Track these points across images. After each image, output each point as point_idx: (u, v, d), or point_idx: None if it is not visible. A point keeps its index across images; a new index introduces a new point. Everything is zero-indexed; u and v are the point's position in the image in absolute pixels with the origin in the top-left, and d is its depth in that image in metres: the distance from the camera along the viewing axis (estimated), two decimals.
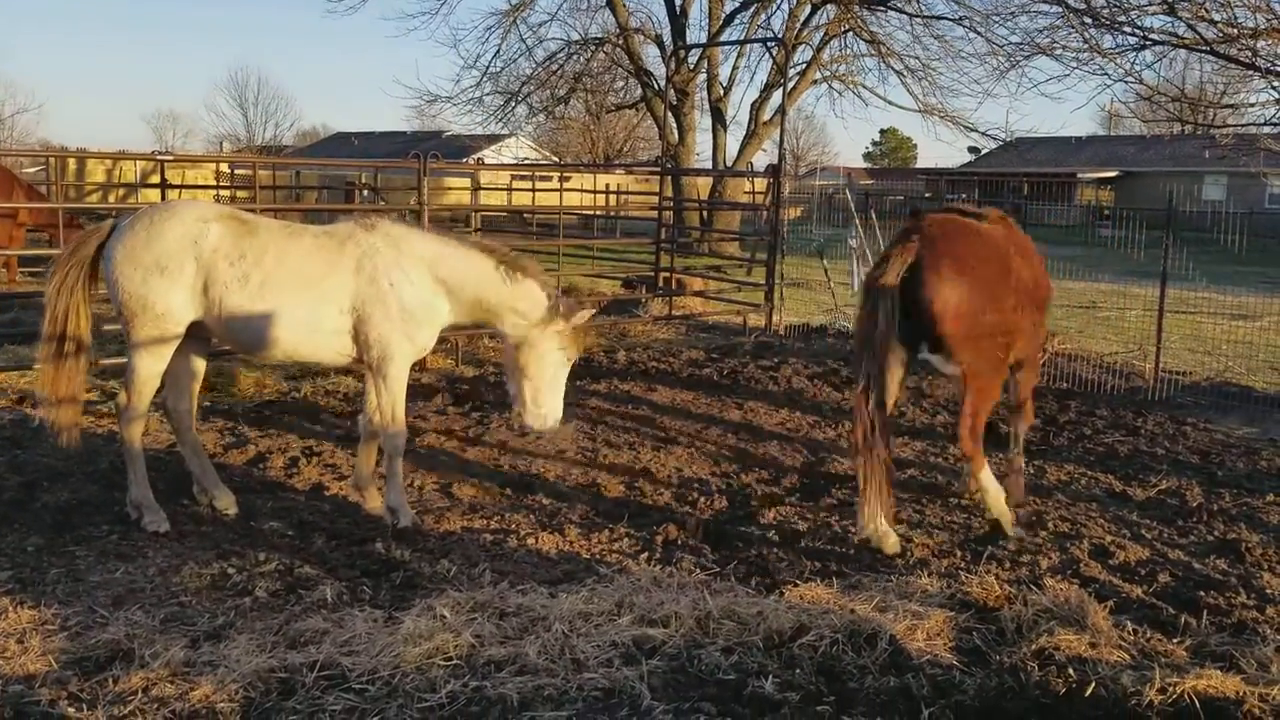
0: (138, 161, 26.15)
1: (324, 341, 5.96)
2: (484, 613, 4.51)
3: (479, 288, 6.06)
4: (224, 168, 27.92)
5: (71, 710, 3.72)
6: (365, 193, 24.51)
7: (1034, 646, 4.33)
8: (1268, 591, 5.42)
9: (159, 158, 11.57)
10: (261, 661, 4.03)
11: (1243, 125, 16.52)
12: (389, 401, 6.11)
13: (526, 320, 6.09)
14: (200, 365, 6.28)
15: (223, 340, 6.14)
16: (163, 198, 13.21)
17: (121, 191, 27.16)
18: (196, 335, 5.96)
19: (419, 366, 10.48)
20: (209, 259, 5.69)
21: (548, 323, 6.06)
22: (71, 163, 27.32)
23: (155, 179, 22.51)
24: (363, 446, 6.49)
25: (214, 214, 5.87)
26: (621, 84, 32.74)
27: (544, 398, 6.17)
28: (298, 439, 7.95)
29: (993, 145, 35.71)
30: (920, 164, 75.72)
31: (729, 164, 29.01)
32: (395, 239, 6.01)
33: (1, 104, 58.16)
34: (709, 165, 29.98)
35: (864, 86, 29.72)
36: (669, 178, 18.17)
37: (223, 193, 22.98)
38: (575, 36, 29.92)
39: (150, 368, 5.85)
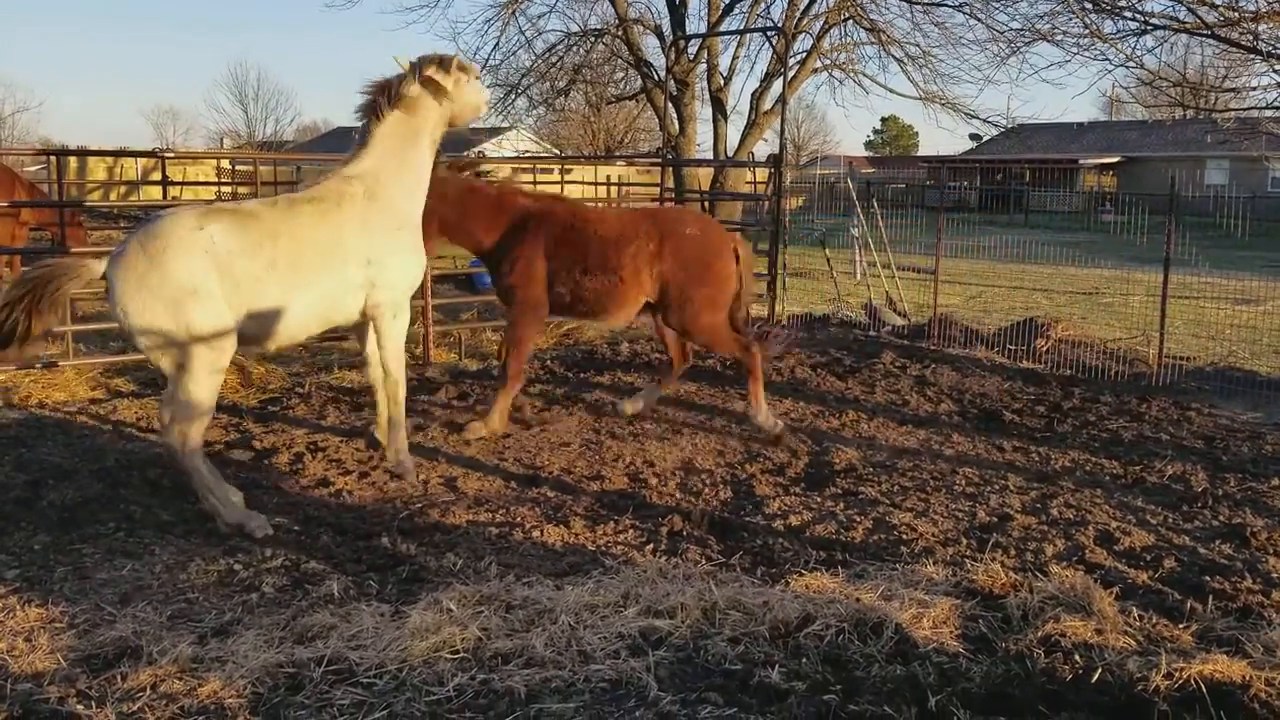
0: (138, 159, 26.15)
1: (349, 302, 5.98)
2: (490, 606, 4.52)
3: (419, 149, 6.20)
4: (225, 164, 27.91)
5: (80, 708, 3.73)
6: None
7: (1040, 633, 4.34)
8: (1273, 576, 5.42)
9: (160, 155, 11.57)
10: (269, 657, 4.04)
11: (1245, 109, 16.50)
12: (397, 346, 6.26)
13: (440, 109, 6.24)
14: None
15: (250, 337, 5.79)
16: (164, 195, 13.17)
17: (123, 189, 27.19)
18: None
19: (423, 360, 10.49)
20: (227, 260, 5.46)
21: (441, 88, 6.19)
22: (72, 161, 27.34)
23: (156, 176, 22.51)
24: (380, 398, 6.69)
25: (203, 217, 5.58)
26: (621, 75, 32.68)
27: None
28: (302, 435, 7.95)
29: (994, 132, 35.65)
30: (922, 152, 75.61)
31: (730, 154, 28.98)
32: (373, 187, 6.02)
33: (1, 103, 58.14)
34: (710, 156, 29.96)
35: (864, 75, 29.68)
36: (670, 169, 18.16)
37: (224, 189, 22.97)
38: (574, 28, 29.86)
39: (211, 395, 5.59)
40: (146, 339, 5.36)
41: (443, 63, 6.14)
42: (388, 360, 6.22)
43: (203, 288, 5.37)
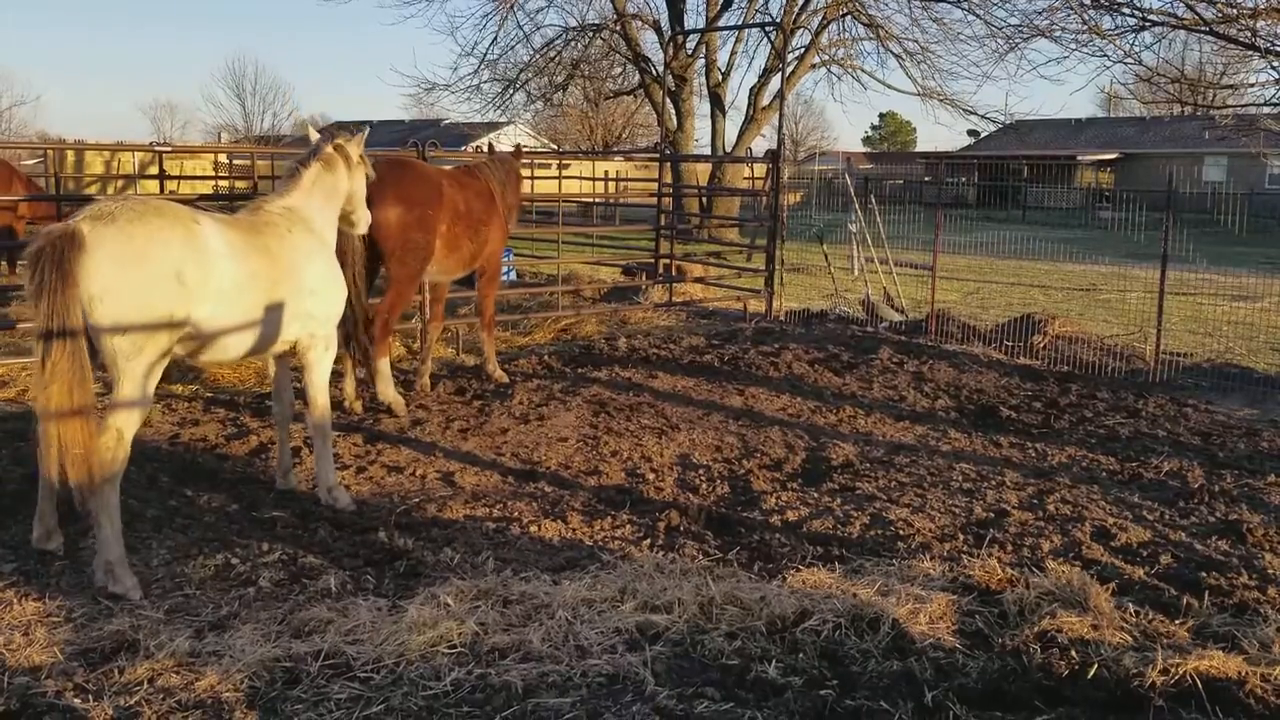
0: (136, 153, 26.11)
1: (292, 329, 5.93)
2: (487, 600, 4.53)
3: (333, 204, 6.42)
4: (222, 158, 27.85)
5: (77, 701, 3.73)
6: None
7: (1036, 629, 4.35)
8: (1269, 572, 5.43)
9: (157, 149, 11.54)
10: (266, 651, 4.05)
11: (1242, 105, 16.52)
12: (324, 378, 6.24)
13: (347, 177, 6.51)
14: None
15: (205, 348, 5.50)
16: (161, 189, 13.16)
17: (120, 183, 27.10)
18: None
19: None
20: (214, 260, 5.26)
21: (349, 155, 6.51)
22: (70, 154, 27.25)
23: (154, 170, 22.50)
24: (281, 436, 6.53)
25: (194, 213, 5.37)
26: (619, 70, 32.69)
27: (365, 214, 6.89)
28: (299, 429, 7.93)
29: (992, 128, 35.69)
30: (920, 148, 75.63)
31: (728, 150, 28.99)
32: (308, 220, 6.13)
33: None
34: (708, 151, 29.97)
35: (863, 70, 29.76)
36: (668, 164, 18.14)
37: (221, 183, 22.95)
38: (573, 23, 29.88)
39: (150, 391, 5.17)
40: (118, 313, 4.90)
41: (351, 135, 6.58)
42: (315, 392, 6.21)
43: (188, 276, 5.12)
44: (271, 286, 5.66)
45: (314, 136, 6.53)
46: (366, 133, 6.74)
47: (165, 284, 5.00)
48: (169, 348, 5.14)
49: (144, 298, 4.93)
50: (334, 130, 6.56)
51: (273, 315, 5.72)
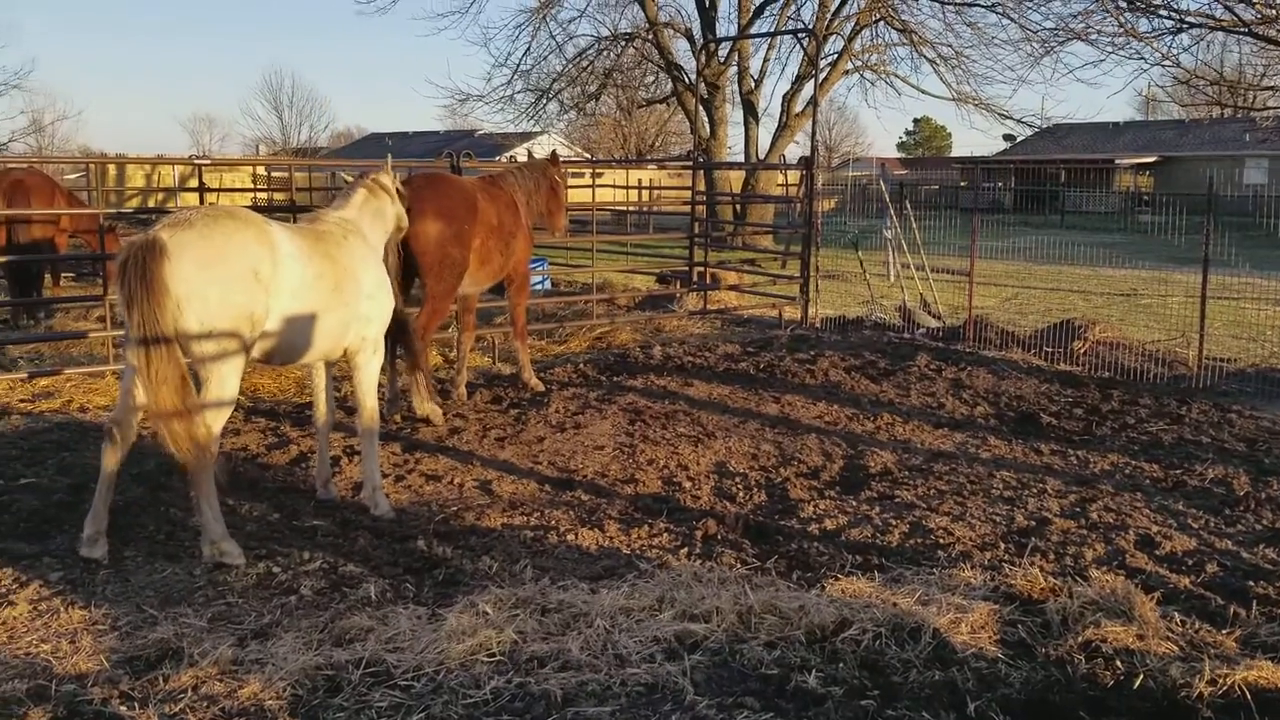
0: (175, 166, 26.50)
1: (352, 330, 6.12)
2: (526, 609, 4.54)
3: (379, 223, 6.71)
4: (261, 170, 28.18)
5: (124, 709, 3.78)
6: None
7: (1080, 639, 4.29)
8: None
9: (196, 162, 11.68)
10: (308, 659, 4.08)
11: None
12: (373, 380, 6.39)
13: (391, 205, 6.83)
14: None
15: (274, 348, 5.75)
16: (201, 201, 13.31)
17: (160, 196, 27.48)
18: None
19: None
20: (286, 262, 5.53)
21: (387, 187, 6.82)
22: (111, 168, 27.69)
23: (193, 183, 22.81)
24: (322, 443, 6.64)
25: (263, 218, 5.69)
26: (652, 79, 32.79)
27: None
28: (339, 438, 8.00)
29: (1028, 132, 35.41)
30: (955, 152, 75.15)
31: (761, 157, 28.95)
32: (360, 230, 6.38)
33: (42, 112, 58.85)
34: (741, 159, 29.97)
35: (896, 76, 29.67)
36: (701, 172, 18.13)
37: (260, 195, 23.20)
38: (605, 32, 30.02)
39: (236, 389, 5.51)
40: (204, 312, 5.19)
41: (386, 175, 6.91)
42: (364, 394, 6.36)
43: (264, 274, 5.39)
44: (334, 288, 5.88)
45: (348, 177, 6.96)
46: (390, 161, 7.23)
47: (245, 281, 5.32)
48: (250, 345, 5.46)
49: (226, 296, 5.26)
50: (368, 173, 6.93)
51: (335, 316, 5.94)
